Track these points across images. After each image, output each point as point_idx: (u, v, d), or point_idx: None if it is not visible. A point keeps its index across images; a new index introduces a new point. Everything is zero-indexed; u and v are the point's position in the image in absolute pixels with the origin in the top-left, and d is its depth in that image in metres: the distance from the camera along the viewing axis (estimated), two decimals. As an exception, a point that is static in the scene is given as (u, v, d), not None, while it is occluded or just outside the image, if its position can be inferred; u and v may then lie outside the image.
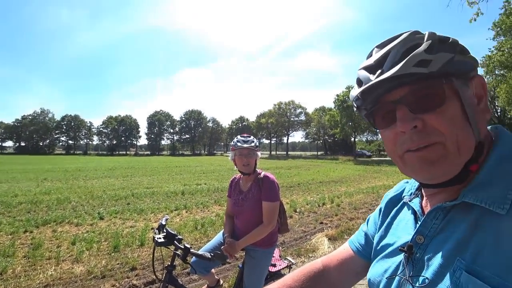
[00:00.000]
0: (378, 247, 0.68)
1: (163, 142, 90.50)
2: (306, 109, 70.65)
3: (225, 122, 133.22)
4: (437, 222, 0.53)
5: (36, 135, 77.58)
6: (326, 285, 0.76)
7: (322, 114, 65.24)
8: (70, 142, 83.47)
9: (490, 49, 25.89)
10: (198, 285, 3.35)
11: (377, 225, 0.74)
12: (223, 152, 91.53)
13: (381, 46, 0.55)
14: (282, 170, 20.97)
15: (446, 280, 0.46)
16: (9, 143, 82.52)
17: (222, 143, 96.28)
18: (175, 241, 1.83)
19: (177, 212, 7.03)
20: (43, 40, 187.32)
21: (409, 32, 0.52)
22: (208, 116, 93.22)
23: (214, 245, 2.30)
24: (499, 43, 25.12)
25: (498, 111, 40.21)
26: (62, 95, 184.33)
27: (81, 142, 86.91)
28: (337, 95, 47.47)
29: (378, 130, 0.57)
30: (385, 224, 0.70)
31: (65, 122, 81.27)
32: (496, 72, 26.85)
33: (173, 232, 1.86)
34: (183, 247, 1.80)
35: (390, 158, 0.57)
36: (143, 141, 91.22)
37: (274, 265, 2.47)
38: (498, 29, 24.90)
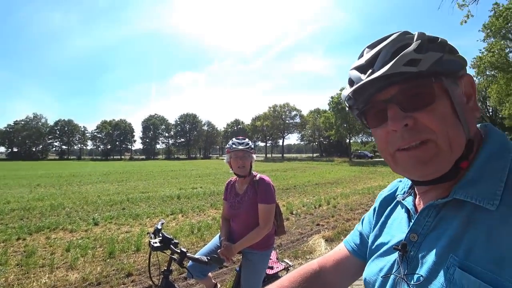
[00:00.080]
0: (373, 246, 0.68)
1: (158, 146, 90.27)
2: (301, 111, 71.02)
3: (220, 125, 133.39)
4: (430, 220, 0.53)
5: (29, 141, 76.67)
6: (322, 286, 0.76)
7: (317, 116, 65.51)
8: (64, 147, 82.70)
9: (480, 50, 26.32)
10: (195, 290, 3.32)
11: (371, 225, 0.74)
12: (218, 155, 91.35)
13: (372, 47, 0.56)
14: (278, 172, 20.96)
15: (440, 277, 0.47)
16: (1, 149, 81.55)
17: (218, 147, 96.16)
18: (171, 246, 1.81)
19: (173, 217, 6.98)
20: (36, 44, 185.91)
21: (399, 33, 0.53)
22: (203, 119, 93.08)
23: (210, 248, 2.29)
24: (489, 45, 25.56)
25: (490, 110, 40.81)
26: (56, 100, 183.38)
27: (75, 147, 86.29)
28: (332, 97, 47.72)
29: (370, 129, 0.58)
30: (379, 223, 0.70)
31: (58, 127, 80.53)
32: (487, 73, 27.28)
33: (169, 237, 1.84)
34: (179, 251, 1.78)
35: (386, 159, 0.58)
36: (138, 145, 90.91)
37: (272, 268, 2.47)
38: (488, 30, 25.34)
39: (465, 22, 8.16)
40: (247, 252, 2.16)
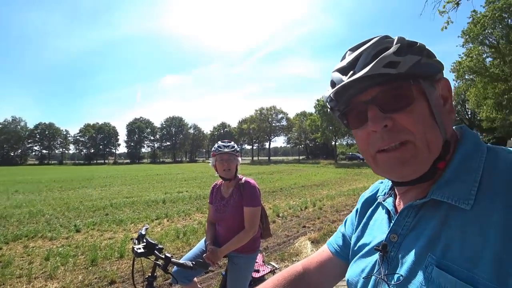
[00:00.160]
0: (356, 248, 0.68)
1: (143, 150, 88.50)
2: (287, 114, 71.43)
3: (207, 128, 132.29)
4: (409, 220, 0.54)
5: (6, 145, 73.59)
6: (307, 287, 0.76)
7: (303, 119, 66.12)
8: (44, 151, 79.92)
9: (460, 55, 27.39)
10: (180, 296, 3.26)
11: (354, 226, 0.75)
12: (205, 158, 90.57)
13: (353, 49, 0.57)
14: (264, 175, 20.99)
15: (419, 276, 0.47)
16: (-24, 154, 77.94)
17: (204, 150, 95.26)
18: (155, 251, 1.77)
19: (158, 221, 6.86)
20: (15, 45, 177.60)
21: (379, 37, 0.54)
22: (190, 122, 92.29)
23: (196, 253, 2.26)
24: (467, 50, 26.64)
25: (469, 113, 42.34)
26: (36, 103, 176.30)
27: (56, 152, 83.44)
28: (318, 100, 48.36)
29: (351, 130, 0.58)
30: (361, 225, 0.71)
31: (38, 131, 77.73)
32: (466, 77, 28.38)
33: (153, 242, 1.81)
34: (164, 257, 1.75)
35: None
36: (122, 149, 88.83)
37: (258, 271, 2.45)
38: (467, 36, 26.43)
39: (446, 28, 8.47)
40: (233, 256, 2.15)
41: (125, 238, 5.23)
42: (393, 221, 0.57)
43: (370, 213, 0.70)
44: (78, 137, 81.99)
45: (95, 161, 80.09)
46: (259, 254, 2.48)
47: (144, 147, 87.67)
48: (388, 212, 0.63)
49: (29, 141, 77.67)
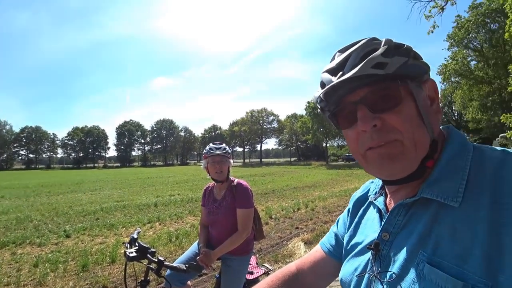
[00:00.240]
0: (348, 247, 0.69)
1: (133, 153, 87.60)
2: (278, 116, 71.79)
3: (198, 131, 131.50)
4: (400, 219, 0.56)
5: (-9, 150, 71.81)
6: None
7: (294, 121, 66.44)
8: (31, 155, 78.10)
9: (446, 58, 28.09)
10: (173, 300, 3.23)
11: (346, 225, 0.76)
12: (196, 161, 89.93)
13: (342, 51, 0.58)
14: (256, 177, 20.99)
15: (411, 273, 0.48)
16: (-40, 159, 75.61)
17: (195, 152, 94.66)
18: (148, 255, 1.75)
19: (150, 225, 6.78)
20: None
21: (368, 38, 0.56)
22: (180, 125, 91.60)
23: (189, 256, 2.24)
24: (453, 53, 27.34)
25: (455, 114, 43.28)
26: (22, 106, 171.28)
27: (44, 156, 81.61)
28: (308, 102, 48.72)
29: (342, 130, 0.60)
30: (353, 224, 0.72)
31: (25, 134, 75.95)
32: (452, 80, 29.06)
33: (145, 246, 1.79)
34: (156, 260, 1.73)
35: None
36: (112, 152, 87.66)
37: (252, 273, 2.45)
38: (452, 40, 27.15)
39: (432, 32, 8.68)
40: (226, 258, 2.14)
41: (117, 243, 5.15)
42: (384, 220, 0.58)
43: (361, 212, 0.71)
44: (66, 141, 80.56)
45: (84, 165, 78.74)
46: (252, 256, 2.48)
47: (134, 150, 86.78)
48: (379, 211, 0.64)
49: (15, 145, 75.84)
